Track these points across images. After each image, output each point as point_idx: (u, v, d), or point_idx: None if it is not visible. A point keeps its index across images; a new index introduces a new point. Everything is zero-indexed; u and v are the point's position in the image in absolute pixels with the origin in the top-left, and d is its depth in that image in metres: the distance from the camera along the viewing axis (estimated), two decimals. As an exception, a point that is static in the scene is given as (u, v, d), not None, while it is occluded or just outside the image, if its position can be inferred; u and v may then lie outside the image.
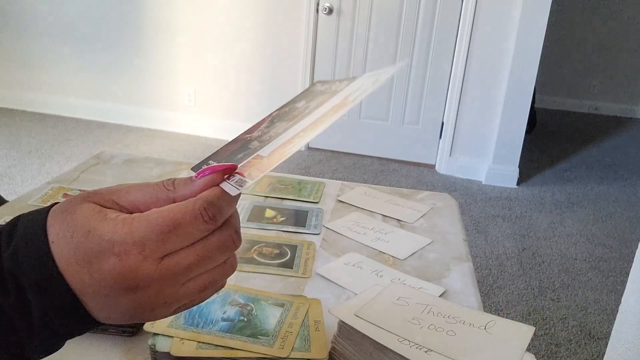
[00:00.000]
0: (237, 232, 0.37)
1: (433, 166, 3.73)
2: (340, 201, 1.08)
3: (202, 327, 0.60)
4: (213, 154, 0.42)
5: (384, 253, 0.88)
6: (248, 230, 0.92)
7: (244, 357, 0.58)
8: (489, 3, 3.28)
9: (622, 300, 1.35)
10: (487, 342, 0.57)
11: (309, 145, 3.89)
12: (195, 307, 0.64)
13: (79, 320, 0.35)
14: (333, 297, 0.75)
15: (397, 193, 1.14)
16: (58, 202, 0.37)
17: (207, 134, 4.01)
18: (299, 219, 0.97)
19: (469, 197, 3.29)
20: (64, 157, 3.42)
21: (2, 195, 1.10)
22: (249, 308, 0.65)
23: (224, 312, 0.64)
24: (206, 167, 0.37)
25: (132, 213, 0.35)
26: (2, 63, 4.27)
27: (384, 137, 3.77)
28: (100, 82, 4.14)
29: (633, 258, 1.32)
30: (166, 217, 0.33)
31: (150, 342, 0.58)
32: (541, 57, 3.25)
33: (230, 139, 0.45)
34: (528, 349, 0.57)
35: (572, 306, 2.23)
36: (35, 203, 0.96)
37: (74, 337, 0.37)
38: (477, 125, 3.53)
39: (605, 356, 1.42)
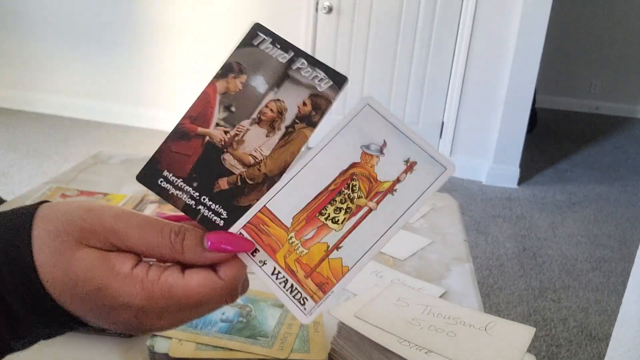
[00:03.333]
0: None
1: (433, 166, 3.72)
2: (340, 201, 1.07)
3: (201, 328, 0.60)
4: (156, 155, 0.38)
5: (384, 253, 0.88)
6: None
7: (243, 359, 0.57)
8: (489, 2, 3.27)
9: (623, 301, 1.34)
10: (488, 343, 0.57)
11: (308, 146, 3.88)
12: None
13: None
14: (332, 297, 0.74)
15: (397, 193, 1.13)
16: (31, 209, 0.34)
17: (207, 134, 4.00)
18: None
19: (469, 197, 3.29)
20: (62, 157, 3.42)
21: (0, 195, 1.10)
22: (247, 309, 0.65)
23: (223, 313, 0.63)
24: (217, 233, 0.36)
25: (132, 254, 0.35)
26: (1, 63, 4.26)
27: (384, 137, 3.76)
28: (99, 82, 4.13)
29: (634, 259, 1.32)
30: (191, 297, 0.34)
31: (148, 343, 0.58)
32: (542, 56, 3.25)
33: None
34: (528, 350, 0.57)
35: (572, 307, 2.22)
36: (33, 203, 0.95)
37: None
38: (478, 125, 3.52)
39: (605, 357, 1.42)
